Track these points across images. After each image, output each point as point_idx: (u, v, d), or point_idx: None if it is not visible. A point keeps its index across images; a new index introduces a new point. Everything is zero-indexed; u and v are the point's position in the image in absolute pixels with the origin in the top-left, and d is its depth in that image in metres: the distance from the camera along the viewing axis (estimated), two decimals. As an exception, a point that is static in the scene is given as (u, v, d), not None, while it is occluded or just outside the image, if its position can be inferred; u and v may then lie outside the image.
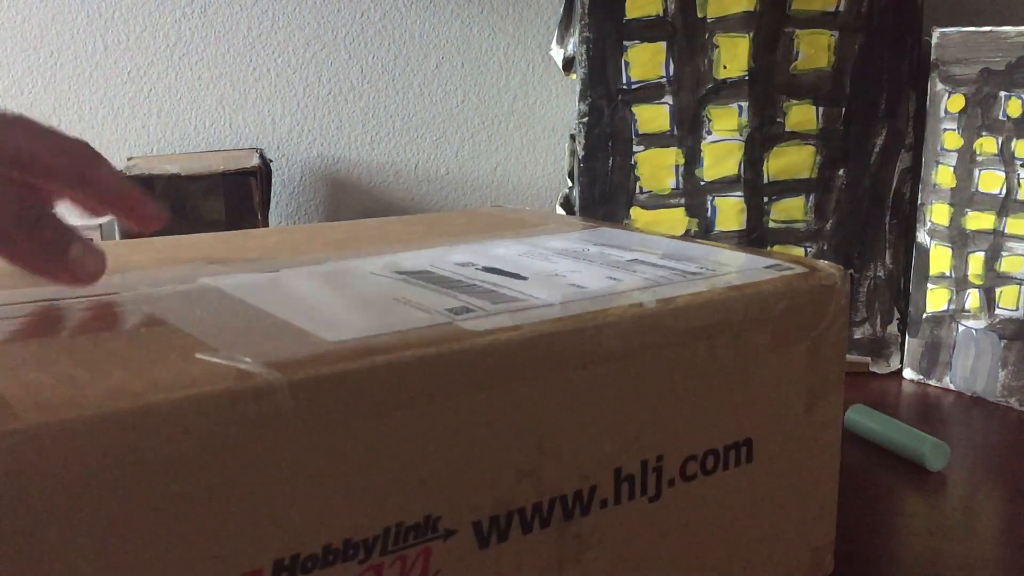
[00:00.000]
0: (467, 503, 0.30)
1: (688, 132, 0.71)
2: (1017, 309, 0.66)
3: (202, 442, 0.25)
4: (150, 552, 0.24)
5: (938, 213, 0.69)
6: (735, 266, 0.40)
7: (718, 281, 0.37)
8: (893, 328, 0.72)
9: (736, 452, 0.37)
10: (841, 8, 0.69)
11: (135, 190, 0.35)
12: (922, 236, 0.70)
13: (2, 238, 0.29)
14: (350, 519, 0.28)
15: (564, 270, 0.39)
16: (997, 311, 0.67)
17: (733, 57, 0.70)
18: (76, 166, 0.33)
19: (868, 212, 0.71)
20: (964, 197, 0.68)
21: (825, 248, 0.71)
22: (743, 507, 0.38)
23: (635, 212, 0.72)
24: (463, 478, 0.30)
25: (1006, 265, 0.66)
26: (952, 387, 0.69)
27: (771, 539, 0.40)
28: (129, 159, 0.82)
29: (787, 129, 0.71)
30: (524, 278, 0.37)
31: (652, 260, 0.41)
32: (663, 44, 0.71)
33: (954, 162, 0.68)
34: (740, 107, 0.70)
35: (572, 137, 0.74)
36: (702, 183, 0.72)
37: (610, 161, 0.72)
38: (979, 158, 0.67)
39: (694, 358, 0.35)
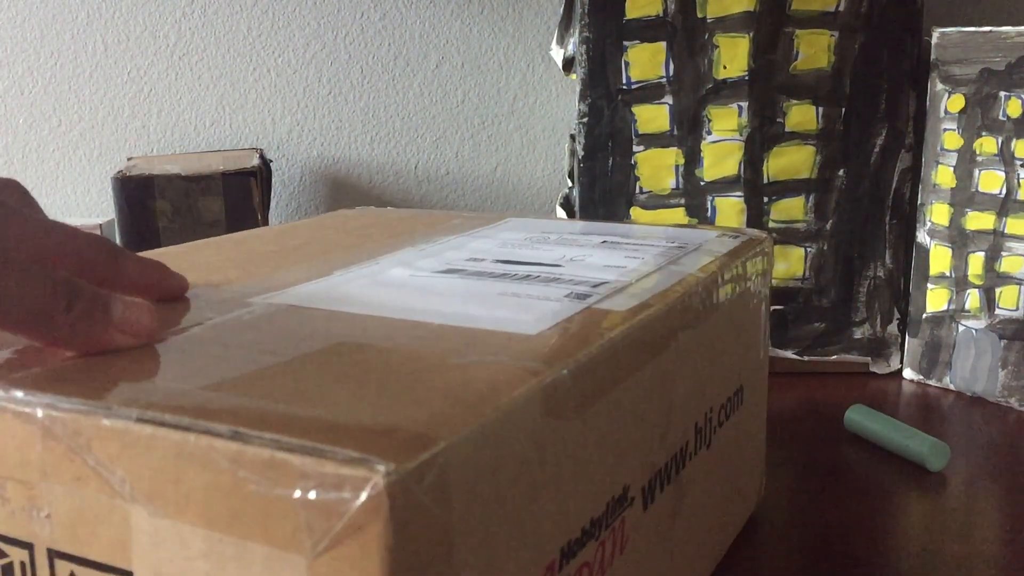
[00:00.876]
0: (640, 471, 0.33)
1: (688, 132, 0.71)
2: (1017, 309, 0.66)
3: (526, 440, 0.25)
4: (481, 550, 0.24)
5: (938, 213, 0.69)
6: (698, 239, 0.45)
7: (705, 250, 0.42)
8: (893, 328, 0.72)
9: (738, 397, 0.43)
10: (841, 8, 0.69)
11: (155, 272, 0.34)
12: (922, 236, 0.70)
13: (41, 324, 0.27)
14: (592, 500, 0.29)
15: (573, 256, 0.41)
16: (997, 311, 0.67)
17: (733, 57, 0.70)
18: (98, 270, 0.32)
19: (868, 212, 0.71)
20: (964, 197, 0.68)
21: (825, 248, 0.72)
22: (740, 441, 0.44)
23: (635, 212, 0.72)
24: (638, 448, 0.32)
25: (1006, 265, 0.66)
26: (952, 387, 0.69)
27: (751, 465, 0.47)
28: (129, 159, 0.82)
29: (787, 129, 0.71)
30: (559, 265, 0.39)
31: (621, 241, 0.45)
32: (663, 44, 0.71)
33: (954, 162, 0.68)
34: (740, 107, 0.70)
35: (572, 137, 0.74)
36: (702, 183, 0.72)
37: (610, 161, 0.72)
38: (979, 158, 0.67)
39: (730, 316, 0.40)
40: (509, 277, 0.37)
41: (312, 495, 0.20)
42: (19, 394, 0.24)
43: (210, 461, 0.21)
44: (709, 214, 0.72)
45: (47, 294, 0.27)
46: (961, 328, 0.69)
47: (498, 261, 0.40)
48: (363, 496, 0.20)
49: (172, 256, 0.42)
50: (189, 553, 0.22)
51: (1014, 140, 0.65)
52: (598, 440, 0.29)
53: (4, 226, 0.29)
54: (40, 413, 0.24)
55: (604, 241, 0.44)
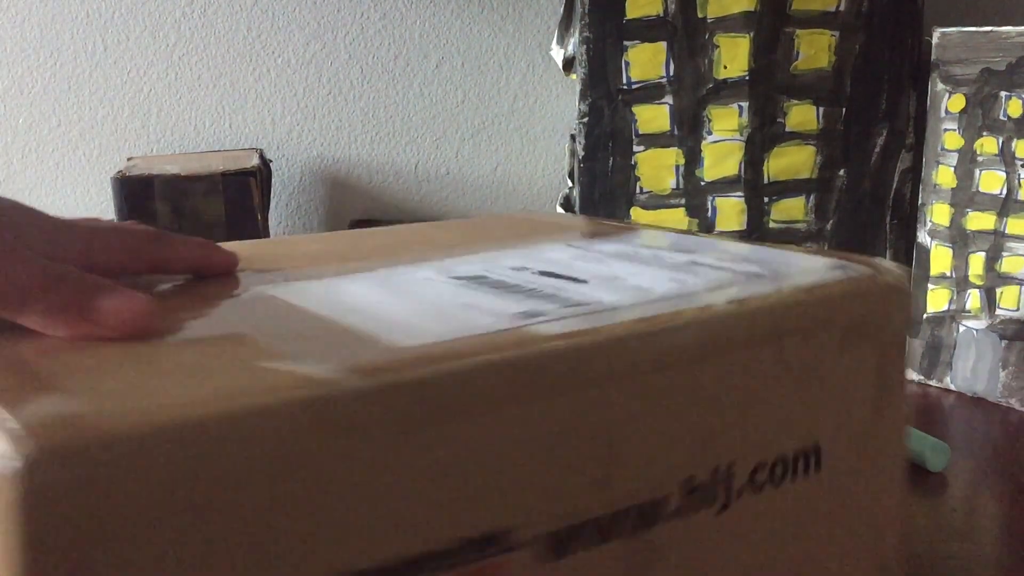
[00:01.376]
0: (541, 514, 0.29)
1: (688, 132, 0.71)
2: (1018, 309, 0.66)
3: (273, 453, 0.24)
4: (213, 567, 0.23)
5: (939, 213, 0.69)
6: (799, 268, 0.39)
7: (784, 283, 0.36)
8: (893, 328, 0.72)
9: (805, 459, 0.36)
10: (841, 8, 0.69)
11: (201, 249, 0.36)
12: (923, 236, 0.70)
13: (15, 305, 0.28)
14: (420, 532, 0.27)
15: (622, 273, 0.39)
16: (998, 311, 0.67)
17: (733, 57, 0.70)
18: (142, 255, 0.34)
19: (868, 212, 0.71)
20: (965, 197, 0.68)
21: (825, 248, 0.71)
22: (811, 518, 0.37)
23: (635, 212, 0.72)
24: (537, 488, 0.29)
25: (1007, 265, 0.66)
26: (953, 388, 0.69)
27: (839, 553, 0.38)
28: (129, 159, 0.82)
29: (787, 129, 0.71)
30: (584, 281, 0.37)
31: (711, 262, 0.40)
32: (663, 44, 0.71)
33: (955, 162, 0.68)
34: (740, 107, 0.70)
35: (572, 137, 0.74)
36: (702, 183, 0.72)
37: (610, 161, 0.72)
38: (980, 158, 0.67)
39: (765, 362, 0.34)
40: (514, 290, 0.36)
41: None
42: None
43: None
44: (709, 214, 0.72)
45: (29, 277, 0.28)
46: (962, 328, 0.69)
47: (538, 272, 0.38)
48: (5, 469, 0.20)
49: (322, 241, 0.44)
50: None
51: (1015, 140, 0.65)
52: (434, 468, 0.27)
53: (15, 218, 0.31)
54: None
55: (691, 261, 0.41)
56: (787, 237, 0.72)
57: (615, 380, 0.30)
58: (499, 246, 0.44)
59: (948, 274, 0.69)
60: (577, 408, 0.30)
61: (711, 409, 0.33)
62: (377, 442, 0.25)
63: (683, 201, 0.72)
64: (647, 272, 0.38)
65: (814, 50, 0.70)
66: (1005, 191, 0.66)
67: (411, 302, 0.33)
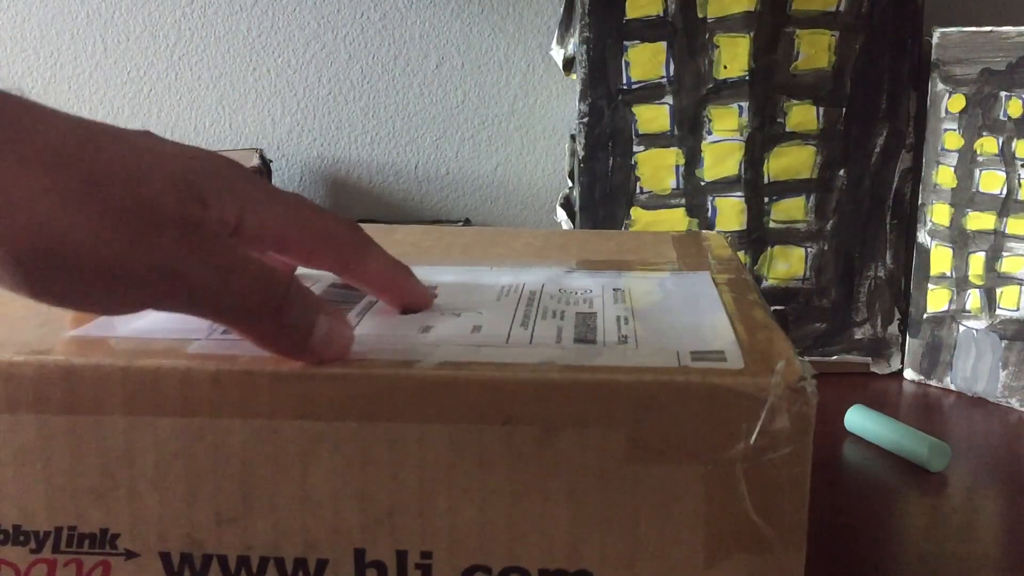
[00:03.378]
0: (154, 530, 0.29)
1: (688, 132, 0.71)
2: (1018, 309, 0.66)
3: None
4: None
5: (939, 213, 0.69)
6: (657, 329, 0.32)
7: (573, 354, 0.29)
8: (894, 328, 0.72)
9: None
10: (841, 8, 0.69)
11: (400, 277, 0.33)
12: (923, 236, 0.70)
13: (247, 320, 0.27)
14: (23, 508, 0.29)
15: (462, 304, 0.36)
16: (998, 311, 0.67)
17: (733, 57, 0.70)
18: (342, 255, 0.31)
19: (869, 212, 0.71)
20: (965, 197, 0.68)
21: (826, 248, 0.71)
22: None
23: (635, 212, 0.72)
24: (150, 503, 0.29)
25: (1007, 265, 0.66)
26: (953, 388, 0.69)
27: None
28: (129, 159, 0.82)
29: (788, 129, 0.70)
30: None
31: (616, 285, 0.37)
32: (663, 44, 0.71)
33: (955, 162, 0.68)
34: (740, 107, 0.70)
35: (572, 137, 0.74)
36: (702, 183, 0.71)
37: (610, 161, 0.72)
38: (980, 158, 0.67)
39: (483, 441, 0.28)
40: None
41: None
42: None
43: None
44: (709, 214, 0.72)
45: (259, 291, 0.27)
46: (962, 328, 0.69)
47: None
48: None
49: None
50: None
51: (1015, 140, 0.65)
52: (52, 452, 0.29)
53: (239, 198, 0.28)
54: None
55: (610, 287, 0.38)
56: (787, 237, 0.72)
57: (257, 416, 0.28)
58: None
59: (948, 274, 0.69)
60: (210, 436, 0.28)
61: (392, 478, 0.28)
62: None
63: (683, 201, 0.72)
64: (494, 310, 0.34)
65: (814, 50, 0.70)
66: (1005, 191, 0.66)
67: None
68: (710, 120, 0.71)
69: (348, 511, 0.29)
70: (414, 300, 0.33)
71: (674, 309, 0.35)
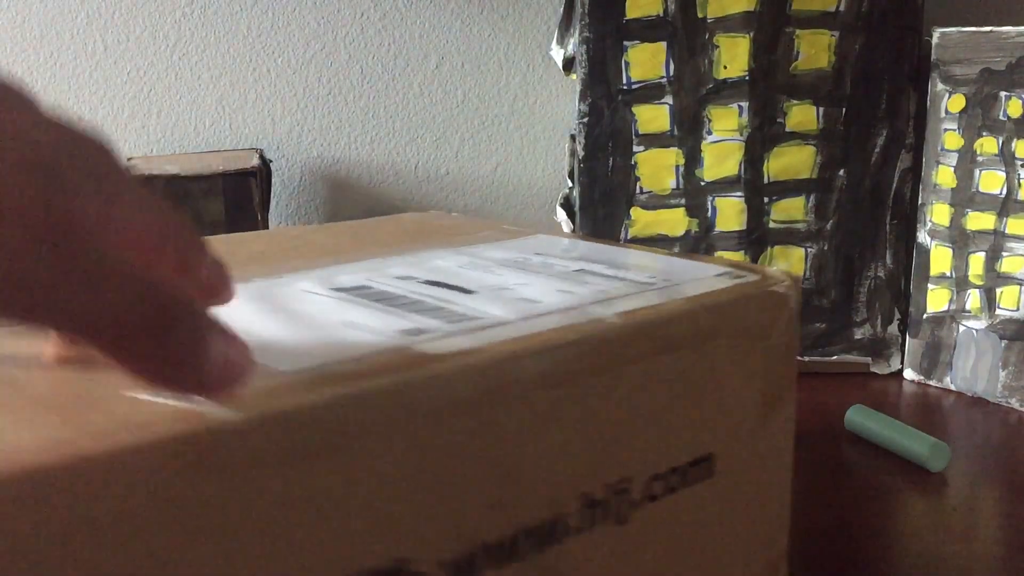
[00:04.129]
0: (436, 542, 0.28)
1: (688, 132, 0.71)
2: (1018, 309, 0.66)
3: (147, 496, 0.21)
4: None
5: (939, 213, 0.69)
6: (687, 275, 0.39)
7: (674, 292, 0.36)
8: (893, 328, 0.72)
9: (698, 468, 0.36)
10: (841, 8, 0.69)
11: (223, 278, 0.29)
12: (922, 236, 0.70)
13: (119, 340, 0.22)
14: (312, 569, 0.25)
15: (511, 283, 0.37)
16: (998, 311, 0.67)
17: (733, 57, 0.70)
18: (183, 256, 0.27)
19: (868, 212, 0.71)
20: (965, 197, 0.68)
21: (825, 248, 0.71)
22: (704, 523, 0.37)
23: (635, 212, 0.72)
24: (430, 516, 0.28)
25: (1007, 265, 0.66)
26: (953, 388, 0.69)
27: (731, 553, 0.38)
28: (129, 159, 0.82)
29: (787, 129, 0.71)
30: (472, 292, 0.36)
31: (600, 270, 0.40)
32: (663, 44, 0.71)
33: (955, 162, 0.68)
34: (740, 107, 0.70)
35: (572, 137, 0.74)
36: (702, 183, 0.72)
37: (610, 161, 0.72)
38: (980, 158, 0.67)
39: (657, 374, 0.34)
40: (398, 303, 0.34)
41: None
42: None
43: None
44: (709, 214, 0.72)
45: (136, 305, 0.22)
46: (962, 328, 0.69)
47: (424, 282, 0.37)
48: None
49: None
50: None
51: (1015, 140, 0.65)
52: (322, 501, 0.25)
53: (108, 187, 0.23)
54: None
55: (580, 269, 0.41)
56: (787, 237, 0.72)
57: (504, 399, 0.29)
58: (385, 252, 0.42)
59: (948, 274, 0.69)
60: (468, 430, 0.28)
61: (604, 424, 0.32)
62: (258, 478, 0.23)
63: (683, 201, 0.72)
64: (536, 282, 0.37)
65: (814, 50, 0.70)
66: (1005, 191, 0.66)
67: (289, 320, 0.32)
68: (710, 120, 0.71)
69: (576, 464, 0.32)
70: (225, 295, 0.29)
71: (626, 256, 0.43)
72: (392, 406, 0.26)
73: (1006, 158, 0.65)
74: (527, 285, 0.37)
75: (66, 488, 0.20)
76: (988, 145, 0.66)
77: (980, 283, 0.67)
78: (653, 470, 0.34)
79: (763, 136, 0.70)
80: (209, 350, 0.22)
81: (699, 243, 0.72)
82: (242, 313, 0.32)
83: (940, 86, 0.68)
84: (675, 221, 0.72)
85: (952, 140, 0.68)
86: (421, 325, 0.31)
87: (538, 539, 0.31)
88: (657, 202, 0.72)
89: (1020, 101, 0.64)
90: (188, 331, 0.22)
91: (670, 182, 0.72)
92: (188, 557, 0.22)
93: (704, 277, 0.38)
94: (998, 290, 0.67)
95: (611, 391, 0.32)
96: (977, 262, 0.67)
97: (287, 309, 0.33)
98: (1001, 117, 0.65)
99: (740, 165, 0.71)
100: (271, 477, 0.24)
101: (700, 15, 0.70)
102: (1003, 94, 0.65)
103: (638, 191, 0.72)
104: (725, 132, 0.71)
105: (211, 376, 0.23)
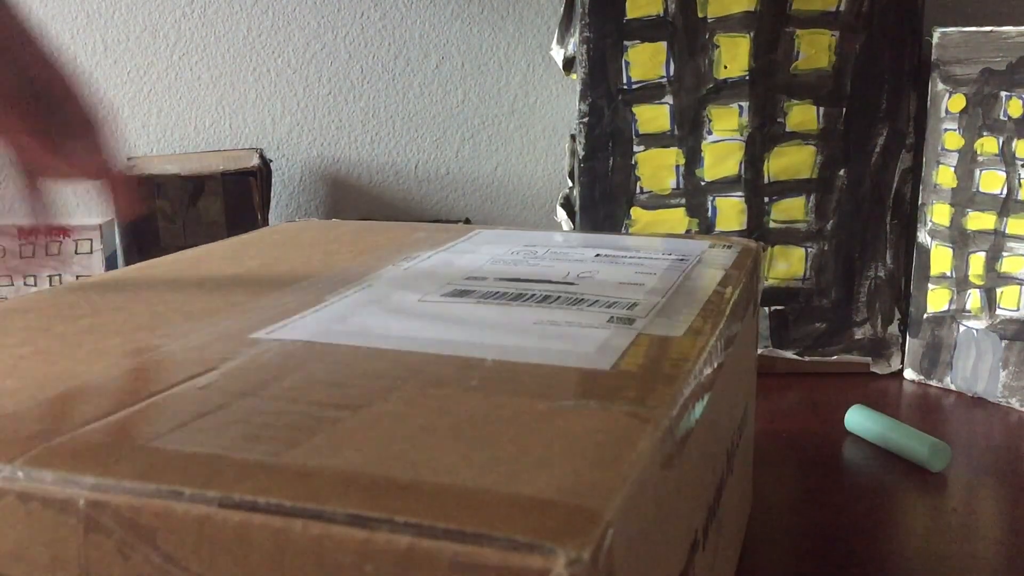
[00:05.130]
0: (704, 513, 0.30)
1: (689, 132, 0.71)
2: (1018, 309, 0.66)
3: (648, 506, 0.21)
4: None
5: (939, 213, 0.69)
6: (696, 249, 0.45)
7: (708, 263, 0.42)
8: (894, 328, 0.72)
9: (746, 415, 0.43)
10: (842, 8, 0.69)
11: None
12: (923, 236, 0.70)
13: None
14: (678, 553, 0.26)
15: (580, 271, 0.40)
16: (998, 311, 0.67)
17: (734, 57, 0.70)
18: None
19: (869, 212, 0.71)
20: (965, 197, 0.68)
21: (826, 248, 0.71)
22: (745, 459, 0.44)
23: (635, 212, 0.72)
24: (705, 489, 0.30)
25: (1007, 265, 0.66)
26: (953, 387, 0.69)
27: (748, 477, 0.49)
28: (129, 159, 0.82)
29: (788, 129, 0.70)
30: (573, 284, 0.37)
31: (620, 255, 0.43)
32: (663, 44, 0.71)
33: (955, 162, 0.68)
34: (741, 107, 0.70)
35: (572, 137, 0.74)
36: (703, 183, 0.71)
37: (610, 161, 0.72)
38: (980, 158, 0.67)
39: (745, 331, 0.40)
40: (529, 300, 0.35)
41: None
42: (49, 475, 0.19)
43: (324, 553, 0.17)
44: (709, 214, 0.72)
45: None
46: (962, 328, 0.69)
47: (502, 279, 0.37)
48: None
49: (130, 283, 0.37)
50: None
51: (1015, 140, 0.65)
52: (682, 488, 0.25)
53: None
54: (82, 501, 0.19)
55: (598, 255, 0.43)
56: (787, 237, 0.72)
57: (720, 369, 0.33)
58: (377, 265, 0.41)
59: (948, 274, 0.69)
60: (712, 402, 0.32)
61: (732, 383, 0.36)
62: (674, 468, 0.25)
63: (683, 201, 0.72)
64: (603, 268, 0.41)
65: (814, 50, 0.70)
66: (1005, 191, 0.66)
67: (489, 324, 0.31)
68: (710, 120, 0.71)
69: (728, 421, 0.35)
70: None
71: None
72: (707, 383, 0.31)
73: (1006, 158, 0.65)
74: (596, 272, 0.40)
75: (634, 504, 0.20)
76: (988, 145, 0.66)
77: (980, 283, 0.67)
78: (738, 423, 0.39)
79: (763, 136, 0.70)
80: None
81: (699, 243, 0.72)
82: (411, 327, 0.30)
83: (940, 86, 0.68)
84: (675, 221, 0.72)
85: (952, 140, 0.68)
86: (615, 315, 0.33)
87: (719, 496, 0.34)
88: (657, 202, 0.72)
89: (1020, 101, 0.64)
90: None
91: (670, 182, 0.72)
92: (662, 540, 0.23)
93: (707, 250, 0.45)
94: (998, 290, 0.67)
95: (736, 353, 0.37)
96: (977, 262, 0.67)
97: (446, 318, 0.32)
98: (1001, 117, 0.65)
99: (740, 165, 0.71)
100: (677, 466, 0.25)
101: (700, 15, 0.70)
102: (1003, 94, 0.65)
103: (638, 191, 0.72)
104: (725, 132, 0.71)
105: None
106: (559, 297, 0.35)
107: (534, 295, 0.36)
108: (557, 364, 0.27)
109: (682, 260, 0.42)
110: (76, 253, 0.71)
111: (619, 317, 0.32)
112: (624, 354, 0.28)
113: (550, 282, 0.38)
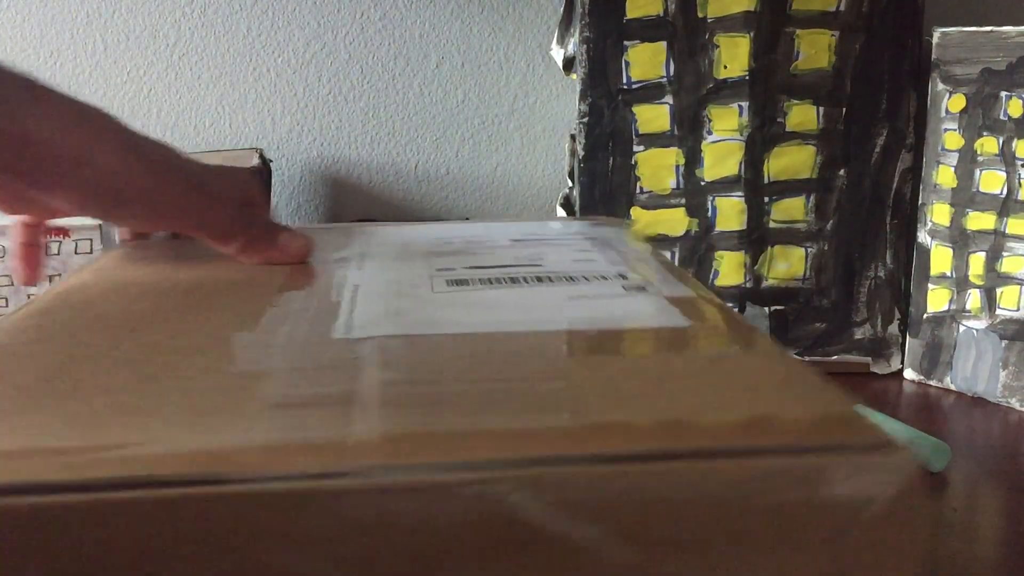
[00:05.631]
0: None
1: (688, 132, 0.71)
2: (1018, 309, 0.66)
3: None
4: None
5: (939, 213, 0.69)
6: (586, 224, 0.46)
7: (621, 241, 0.42)
8: (894, 328, 0.72)
9: None
10: (842, 8, 0.69)
11: (299, 242, 0.43)
12: (923, 236, 0.70)
13: (227, 237, 0.40)
14: None
15: (530, 255, 0.40)
16: (998, 311, 0.67)
17: (733, 57, 0.70)
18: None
19: (869, 212, 0.71)
20: (965, 197, 0.68)
21: (826, 248, 0.71)
22: None
23: (635, 212, 0.72)
24: None
25: (1007, 265, 0.66)
26: (953, 387, 0.69)
27: None
28: (129, 159, 0.82)
29: (788, 129, 0.70)
30: (541, 265, 0.38)
31: (528, 238, 0.43)
32: (663, 44, 0.71)
33: (955, 162, 0.68)
34: (740, 107, 0.70)
35: (572, 137, 0.74)
36: (703, 183, 0.71)
37: (610, 161, 0.72)
38: (980, 158, 0.67)
39: None
40: (527, 282, 0.35)
41: (839, 490, 0.19)
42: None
43: (702, 483, 0.19)
44: (709, 214, 0.72)
45: (233, 219, 0.40)
46: (962, 328, 0.69)
47: (477, 268, 0.37)
48: (896, 481, 0.20)
49: (112, 320, 0.32)
50: None
51: (1015, 140, 0.65)
52: None
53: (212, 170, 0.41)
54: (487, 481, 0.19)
55: (515, 240, 0.42)
56: (787, 237, 0.71)
57: None
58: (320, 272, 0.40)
59: (948, 274, 0.69)
60: None
61: None
62: None
63: (683, 201, 0.72)
64: (550, 251, 0.41)
65: (814, 50, 0.70)
66: (1005, 191, 0.66)
67: (536, 304, 0.32)
68: (710, 120, 0.71)
69: None
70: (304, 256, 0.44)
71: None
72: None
73: (1006, 158, 0.65)
74: (547, 254, 0.39)
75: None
76: (988, 145, 0.66)
77: (980, 283, 0.67)
78: None
79: (763, 136, 0.70)
80: (279, 237, 0.41)
81: (699, 243, 0.72)
82: (478, 314, 0.31)
83: (940, 86, 0.68)
84: (675, 221, 0.72)
85: (952, 140, 0.68)
86: (626, 284, 0.34)
87: None
88: (657, 202, 0.72)
89: (1020, 101, 0.64)
90: (263, 227, 0.41)
91: (670, 182, 0.72)
92: None
93: (594, 227, 0.47)
94: (998, 290, 0.67)
95: None
96: (977, 262, 0.67)
97: (493, 303, 0.32)
98: (1001, 117, 0.65)
99: (740, 165, 0.71)
100: None
101: (700, 15, 0.70)
102: (1003, 94, 0.65)
103: (638, 191, 0.72)
104: (725, 132, 0.71)
105: (285, 251, 0.41)
106: (551, 277, 0.35)
107: (525, 278, 0.35)
108: (646, 326, 0.28)
109: (594, 238, 0.42)
110: (76, 253, 0.71)
111: (631, 286, 0.33)
112: (684, 314, 0.29)
113: (519, 266, 0.37)
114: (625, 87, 0.71)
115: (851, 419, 0.22)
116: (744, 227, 0.71)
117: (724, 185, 0.71)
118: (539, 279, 0.35)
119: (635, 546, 0.19)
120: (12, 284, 0.72)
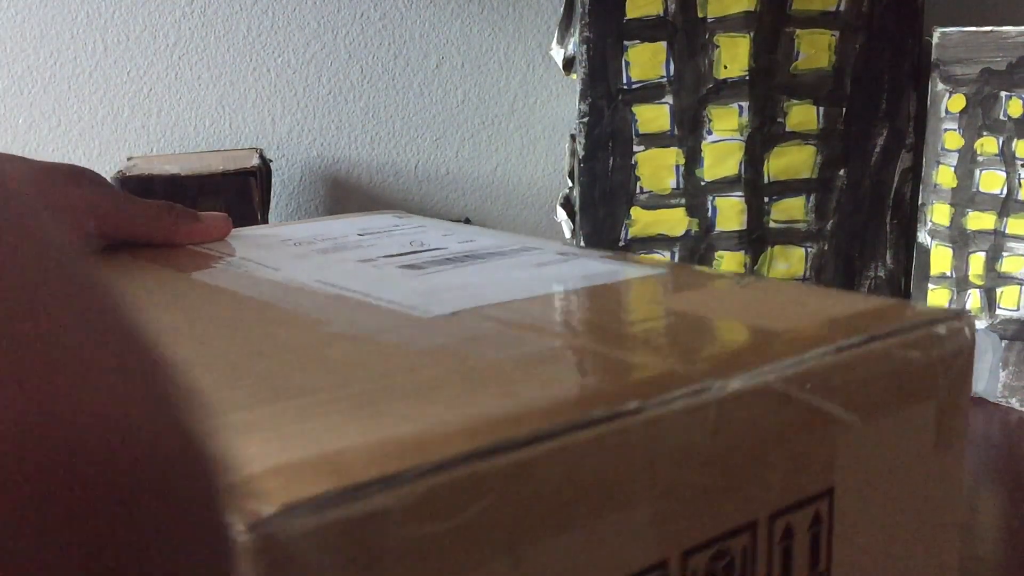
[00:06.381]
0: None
1: (688, 132, 0.71)
2: (1018, 309, 0.66)
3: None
4: None
5: (939, 213, 0.69)
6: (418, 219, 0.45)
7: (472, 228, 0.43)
8: (894, 328, 0.72)
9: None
10: (842, 8, 0.69)
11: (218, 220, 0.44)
12: (923, 236, 0.70)
13: (145, 226, 0.40)
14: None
15: (446, 244, 0.40)
16: (998, 311, 0.67)
17: (734, 57, 0.70)
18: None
19: (869, 212, 0.71)
20: (965, 197, 0.68)
21: (826, 248, 0.71)
22: None
23: (635, 212, 0.72)
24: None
25: (1007, 265, 0.66)
26: (953, 387, 0.69)
27: None
28: (129, 159, 0.82)
29: (788, 129, 0.70)
30: (445, 248, 0.37)
31: (388, 230, 0.43)
32: (663, 44, 0.71)
33: (955, 162, 0.68)
34: (741, 107, 0.70)
35: (572, 137, 0.74)
36: (703, 183, 0.71)
37: (610, 161, 0.72)
38: (980, 158, 0.67)
39: None
40: (480, 259, 0.35)
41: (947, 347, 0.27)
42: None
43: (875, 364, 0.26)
44: (709, 214, 0.72)
45: (149, 208, 0.41)
46: (962, 328, 0.69)
47: (395, 255, 0.36)
48: (970, 334, 0.28)
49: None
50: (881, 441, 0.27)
51: (1015, 140, 0.65)
52: None
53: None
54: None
55: (361, 233, 0.42)
56: (787, 237, 0.72)
57: None
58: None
59: (948, 274, 0.69)
60: None
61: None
62: None
63: (683, 201, 0.72)
64: (434, 235, 0.40)
65: (814, 50, 0.70)
66: (1005, 191, 0.66)
67: (525, 279, 0.32)
68: (710, 120, 0.71)
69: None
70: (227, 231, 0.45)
71: None
72: None
73: (1006, 158, 0.65)
74: (472, 238, 0.40)
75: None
76: (988, 145, 0.66)
77: (980, 283, 0.67)
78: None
79: (763, 136, 0.70)
80: (198, 218, 0.42)
81: (699, 243, 0.72)
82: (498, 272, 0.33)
83: (940, 86, 0.68)
84: (675, 221, 0.72)
85: (952, 140, 0.68)
86: (597, 255, 0.36)
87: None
88: (657, 202, 0.72)
89: (1020, 101, 0.64)
90: (180, 209, 0.42)
91: (670, 182, 0.72)
92: None
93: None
94: (998, 290, 0.67)
95: None
96: (977, 262, 0.67)
97: (484, 280, 0.32)
98: (1001, 117, 0.65)
99: (740, 165, 0.71)
100: None
101: (700, 15, 0.70)
102: (1003, 94, 0.65)
103: (638, 191, 0.72)
104: (725, 132, 0.71)
105: (211, 225, 0.42)
106: (490, 254, 0.35)
107: (466, 256, 0.35)
108: (645, 275, 0.32)
109: (391, 227, 0.42)
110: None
111: (603, 256, 0.35)
112: (645, 264, 0.33)
113: (425, 251, 0.36)
114: (625, 87, 0.71)
115: (901, 304, 0.29)
116: (744, 227, 0.71)
117: (724, 185, 0.71)
118: (480, 257, 0.35)
119: (860, 412, 0.26)
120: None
